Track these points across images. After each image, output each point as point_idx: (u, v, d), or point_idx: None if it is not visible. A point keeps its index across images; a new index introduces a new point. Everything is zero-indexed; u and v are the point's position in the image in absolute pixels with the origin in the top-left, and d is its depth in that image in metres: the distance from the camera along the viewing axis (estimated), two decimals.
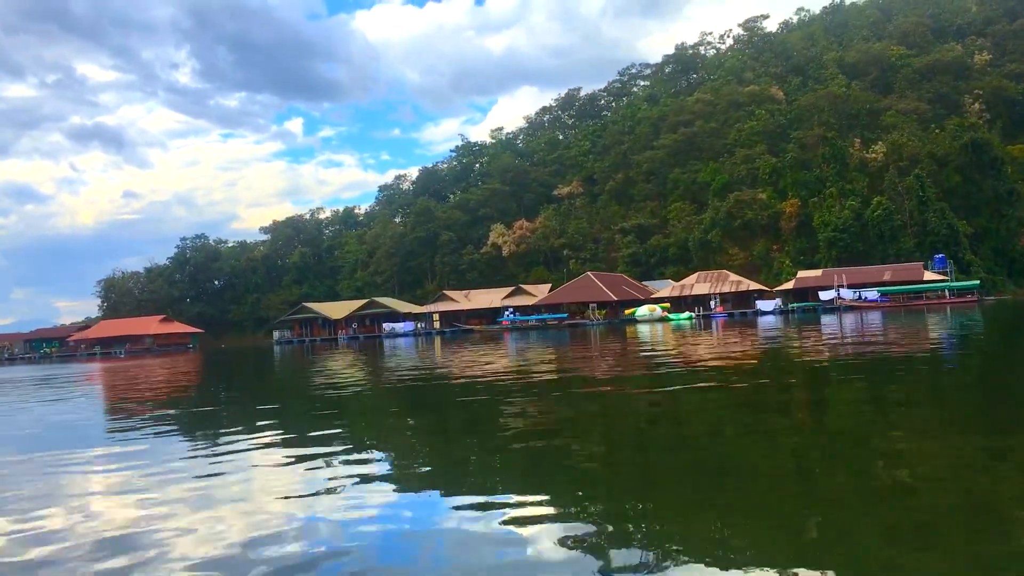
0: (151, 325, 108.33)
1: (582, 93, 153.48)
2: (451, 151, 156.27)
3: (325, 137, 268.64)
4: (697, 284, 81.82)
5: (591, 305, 79.92)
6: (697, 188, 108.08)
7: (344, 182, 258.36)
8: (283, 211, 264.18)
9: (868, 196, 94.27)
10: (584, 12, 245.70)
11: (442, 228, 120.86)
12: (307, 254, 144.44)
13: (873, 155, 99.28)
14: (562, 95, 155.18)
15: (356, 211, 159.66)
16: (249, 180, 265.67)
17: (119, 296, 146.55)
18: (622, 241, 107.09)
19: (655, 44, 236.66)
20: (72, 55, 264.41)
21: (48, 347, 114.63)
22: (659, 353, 26.51)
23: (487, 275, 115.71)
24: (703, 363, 20.26)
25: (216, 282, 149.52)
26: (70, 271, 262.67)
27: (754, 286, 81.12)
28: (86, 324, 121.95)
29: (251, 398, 20.16)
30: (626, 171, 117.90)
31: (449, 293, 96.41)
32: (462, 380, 19.56)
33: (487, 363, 26.30)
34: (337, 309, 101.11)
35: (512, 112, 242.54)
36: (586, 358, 26.82)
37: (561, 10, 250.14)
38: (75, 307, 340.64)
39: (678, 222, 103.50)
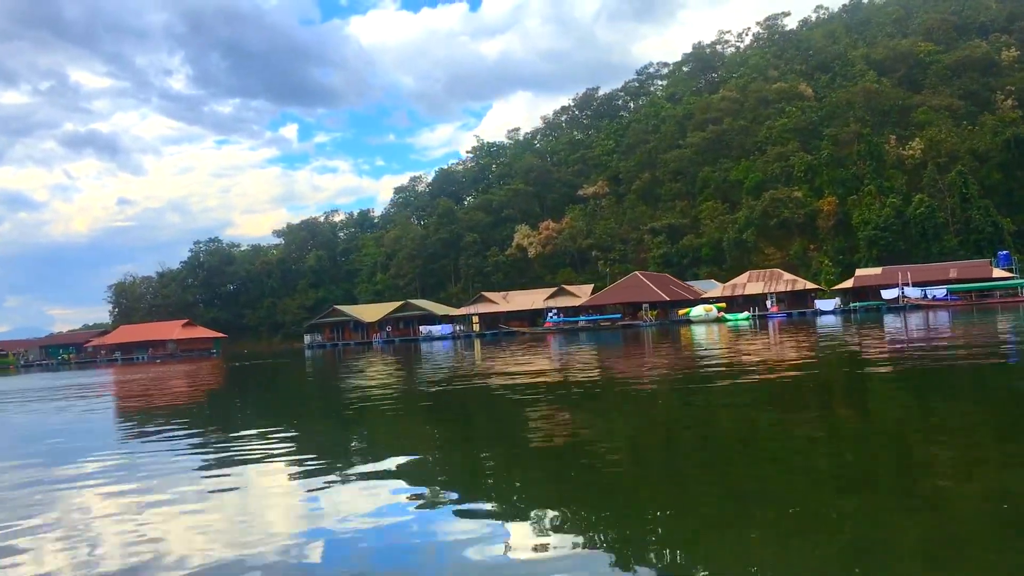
0: (174, 330, 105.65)
1: (600, 93, 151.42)
2: (467, 152, 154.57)
3: (319, 143, 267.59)
4: (750, 283, 79.35)
5: (644, 306, 77.66)
6: (728, 187, 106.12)
7: (339, 188, 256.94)
8: (278, 217, 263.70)
9: (907, 193, 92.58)
10: (578, 16, 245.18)
11: (465, 230, 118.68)
12: (323, 257, 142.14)
13: (910, 152, 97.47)
14: (579, 95, 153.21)
15: (371, 213, 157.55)
16: (244, 186, 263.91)
17: (131, 301, 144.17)
18: (652, 241, 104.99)
19: (649, 48, 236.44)
20: (65, 62, 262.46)
21: (65, 353, 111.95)
22: (748, 359, 24.09)
23: (512, 277, 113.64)
24: (786, 372, 18.05)
25: (230, 286, 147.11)
26: (64, 279, 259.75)
27: (810, 285, 78.84)
28: (105, 329, 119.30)
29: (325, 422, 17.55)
30: (652, 170, 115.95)
31: (487, 295, 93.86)
32: (546, 394, 16.54)
33: (561, 372, 23.48)
34: (370, 312, 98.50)
35: (507, 117, 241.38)
36: (664, 364, 24.27)
37: (555, 15, 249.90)
38: (69, 315, 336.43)
39: (711, 221, 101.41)
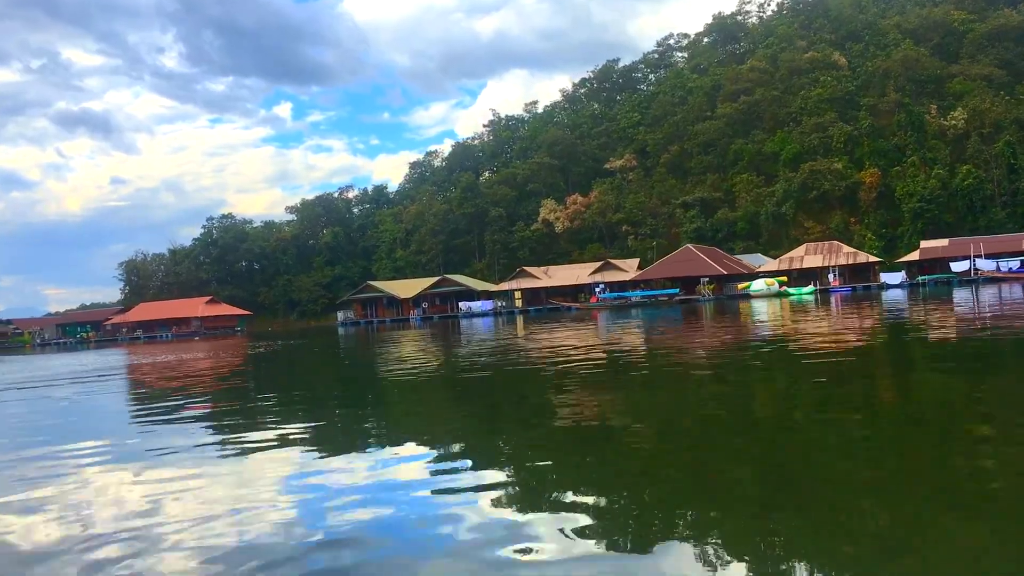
0: (197, 307, 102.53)
1: (620, 65, 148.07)
2: (484, 126, 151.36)
3: (314, 122, 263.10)
4: (807, 256, 76.64)
5: (702, 279, 75.09)
6: (762, 159, 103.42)
7: (333, 167, 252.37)
8: (272, 197, 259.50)
9: (951, 164, 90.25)
10: None
11: (489, 204, 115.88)
12: (339, 234, 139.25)
13: (952, 122, 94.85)
14: (598, 67, 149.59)
15: (386, 189, 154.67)
16: (238, 166, 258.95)
17: (142, 279, 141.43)
18: (684, 215, 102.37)
19: (645, 26, 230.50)
20: (57, 40, 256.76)
21: (83, 331, 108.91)
22: (825, 337, 21.69)
23: (538, 253, 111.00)
24: (866, 351, 15.99)
25: (242, 264, 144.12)
26: (57, 258, 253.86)
27: (872, 258, 76.22)
28: (122, 307, 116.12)
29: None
30: (680, 143, 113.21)
31: (528, 269, 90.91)
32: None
33: (626, 351, 20.70)
34: (405, 287, 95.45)
35: (502, 95, 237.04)
36: (736, 343, 21.47)
37: None
38: (62, 295, 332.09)
39: (746, 195, 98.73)
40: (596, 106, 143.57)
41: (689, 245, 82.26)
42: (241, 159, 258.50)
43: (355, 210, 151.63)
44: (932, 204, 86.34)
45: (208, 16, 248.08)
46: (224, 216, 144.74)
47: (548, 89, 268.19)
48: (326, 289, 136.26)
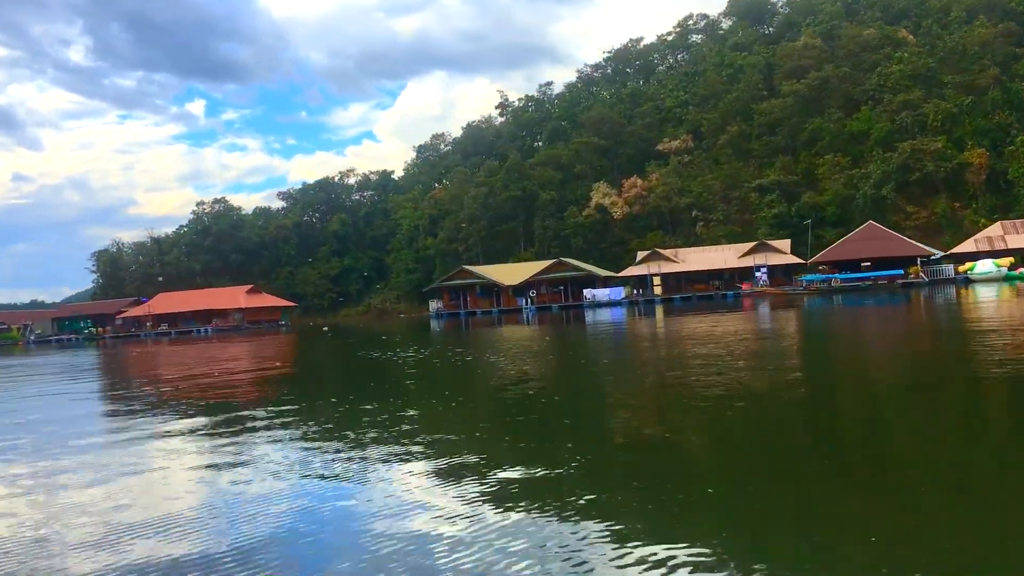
0: (238, 297, 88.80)
1: (642, 44, 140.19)
2: (495, 108, 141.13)
3: (228, 120, 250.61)
4: (1008, 236, 68.63)
5: (917, 259, 66.64)
6: (844, 139, 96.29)
7: (248, 166, 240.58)
8: (184, 196, 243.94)
9: None
10: None
11: (538, 187, 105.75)
12: (347, 221, 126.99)
13: None
14: (615, 49, 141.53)
15: (392, 174, 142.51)
16: (147, 164, 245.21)
17: (120, 270, 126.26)
18: (761, 200, 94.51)
19: (566, 30, 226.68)
20: None
21: (88, 327, 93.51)
22: None
23: (591, 241, 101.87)
24: None
25: (235, 255, 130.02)
26: None
27: None
28: (136, 299, 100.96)
29: None
30: (739, 123, 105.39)
31: (664, 252, 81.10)
32: None
33: None
34: (508, 273, 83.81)
35: (422, 97, 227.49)
36: None
37: None
38: None
39: (837, 176, 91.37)
40: (611, 88, 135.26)
41: (872, 221, 73.75)
42: (151, 157, 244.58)
43: (355, 196, 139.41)
44: None
45: (116, 8, 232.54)
46: (216, 200, 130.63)
47: (469, 92, 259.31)
48: (333, 282, 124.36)
